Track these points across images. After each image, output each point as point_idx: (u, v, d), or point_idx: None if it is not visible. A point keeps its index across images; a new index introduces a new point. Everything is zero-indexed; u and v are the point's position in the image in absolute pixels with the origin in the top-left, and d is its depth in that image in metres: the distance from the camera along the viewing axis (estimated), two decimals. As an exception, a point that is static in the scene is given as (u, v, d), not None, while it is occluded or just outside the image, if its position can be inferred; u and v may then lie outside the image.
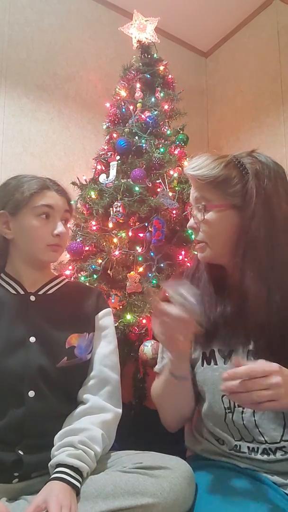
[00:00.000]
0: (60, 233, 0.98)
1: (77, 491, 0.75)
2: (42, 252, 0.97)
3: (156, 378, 1.02)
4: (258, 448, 0.82)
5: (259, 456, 0.81)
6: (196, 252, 0.94)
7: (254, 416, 0.82)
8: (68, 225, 1.81)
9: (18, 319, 0.93)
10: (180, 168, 1.76)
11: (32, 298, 0.97)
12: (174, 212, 1.65)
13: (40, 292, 1.00)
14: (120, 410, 0.94)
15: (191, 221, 0.90)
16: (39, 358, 0.90)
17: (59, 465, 0.78)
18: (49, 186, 1.00)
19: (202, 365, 0.90)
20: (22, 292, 0.97)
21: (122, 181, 1.68)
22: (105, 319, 1.04)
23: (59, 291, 1.03)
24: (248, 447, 0.83)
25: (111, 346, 1.01)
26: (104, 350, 0.99)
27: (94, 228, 1.70)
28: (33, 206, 0.96)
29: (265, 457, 0.81)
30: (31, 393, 0.87)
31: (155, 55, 2.00)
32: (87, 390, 0.93)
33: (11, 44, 2.19)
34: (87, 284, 1.53)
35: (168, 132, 1.89)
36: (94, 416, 0.88)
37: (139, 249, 1.63)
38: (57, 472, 0.77)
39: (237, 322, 0.85)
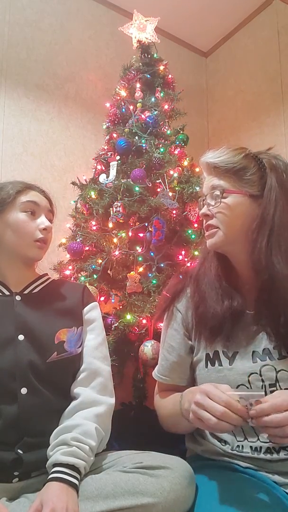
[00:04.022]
0: (46, 227, 1.01)
1: (75, 488, 0.75)
2: (28, 248, 0.99)
3: (158, 389, 1.02)
4: (261, 447, 0.82)
5: (262, 456, 0.81)
6: (205, 240, 0.95)
7: None
8: (68, 226, 1.82)
9: (5, 319, 0.93)
10: (180, 168, 1.76)
11: (18, 298, 0.98)
12: (174, 212, 1.65)
13: (26, 292, 1.01)
14: (112, 401, 0.95)
15: (204, 209, 0.91)
16: (29, 355, 0.90)
17: (55, 464, 0.78)
18: (32, 187, 1.06)
19: (206, 366, 0.90)
20: (7, 293, 0.98)
21: (122, 181, 1.67)
22: (92, 312, 1.05)
23: (45, 289, 1.05)
24: (251, 447, 0.83)
25: (99, 338, 1.02)
26: (93, 343, 1.00)
27: (94, 228, 1.70)
28: (19, 202, 1.00)
29: (268, 456, 0.81)
30: (24, 390, 0.87)
31: (155, 55, 2.00)
32: (78, 383, 0.94)
33: (11, 44, 2.19)
34: (87, 284, 1.53)
35: (168, 132, 1.88)
36: (87, 411, 0.88)
37: (139, 249, 1.62)
38: (54, 472, 0.77)
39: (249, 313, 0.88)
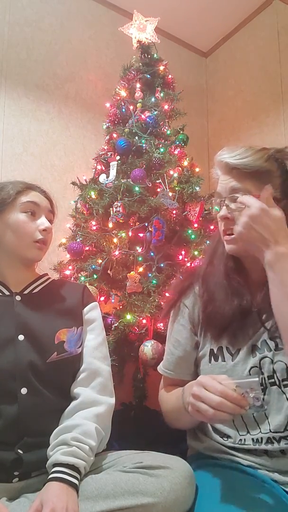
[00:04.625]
0: (46, 228, 1.01)
1: (75, 488, 0.75)
2: (28, 249, 0.99)
3: (163, 384, 1.03)
4: (262, 438, 0.83)
5: (263, 446, 0.82)
6: (225, 244, 0.90)
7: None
8: (68, 226, 1.82)
9: (5, 319, 0.93)
10: (180, 168, 1.76)
11: (18, 298, 0.98)
12: (174, 212, 1.65)
13: (26, 292, 1.01)
14: (112, 401, 0.95)
15: (224, 211, 0.87)
16: (29, 355, 0.90)
17: (55, 464, 0.78)
18: (33, 187, 1.05)
19: (210, 361, 0.91)
20: (7, 293, 0.98)
21: (122, 181, 1.67)
22: (92, 312, 1.05)
23: (45, 289, 1.05)
24: (253, 439, 0.84)
25: (99, 338, 1.02)
26: (93, 343, 1.00)
27: (94, 228, 1.70)
28: (19, 203, 0.99)
29: (269, 446, 0.82)
30: (24, 390, 0.87)
31: (155, 55, 2.00)
32: (78, 383, 0.94)
33: (11, 44, 2.19)
34: (87, 284, 1.53)
35: (168, 132, 1.89)
36: (87, 411, 0.88)
37: (139, 249, 1.62)
38: (54, 472, 0.77)
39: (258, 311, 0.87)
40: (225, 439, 0.88)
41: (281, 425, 0.82)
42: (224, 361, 0.88)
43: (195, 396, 0.73)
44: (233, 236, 0.87)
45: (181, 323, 0.98)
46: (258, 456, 0.83)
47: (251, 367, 0.86)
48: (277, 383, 0.84)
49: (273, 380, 0.84)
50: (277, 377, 0.84)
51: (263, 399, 0.82)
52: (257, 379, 0.70)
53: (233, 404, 0.68)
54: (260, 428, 0.84)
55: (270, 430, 0.82)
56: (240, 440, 0.85)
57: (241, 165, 0.84)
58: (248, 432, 0.85)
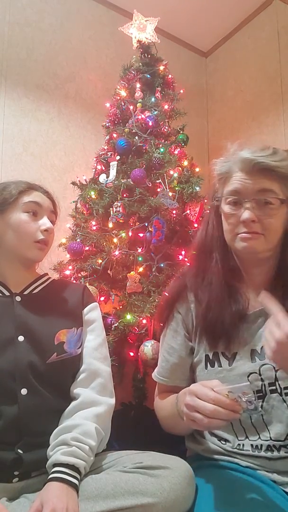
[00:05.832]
0: (48, 229, 1.00)
1: (76, 488, 0.75)
2: (28, 249, 0.99)
3: (157, 391, 1.02)
4: (262, 445, 0.82)
5: (262, 453, 0.82)
6: (243, 243, 0.85)
7: (262, 416, 0.83)
8: (68, 226, 1.81)
9: (5, 320, 0.93)
10: (180, 168, 1.76)
11: (18, 298, 0.98)
12: (174, 212, 1.65)
13: (26, 292, 1.01)
14: (112, 401, 0.95)
15: (251, 215, 0.82)
16: (29, 356, 0.90)
17: (55, 464, 0.78)
18: (36, 187, 1.05)
19: (206, 367, 0.90)
20: (7, 294, 0.98)
21: (122, 181, 1.67)
22: (92, 313, 1.05)
23: (45, 290, 1.04)
24: (252, 445, 0.83)
25: (99, 339, 1.02)
26: (93, 344, 1.00)
27: (94, 228, 1.70)
28: (21, 202, 0.99)
29: (269, 454, 0.81)
30: (24, 391, 0.87)
31: (155, 55, 2.00)
32: (78, 384, 0.94)
33: (11, 44, 2.19)
34: (87, 284, 1.53)
35: (168, 132, 1.89)
36: (86, 411, 0.88)
37: (139, 249, 1.62)
38: (54, 472, 0.77)
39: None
40: (223, 442, 0.88)
41: (282, 433, 0.81)
42: (221, 366, 0.88)
43: (188, 406, 0.72)
44: (257, 235, 0.83)
45: (174, 330, 0.97)
46: (257, 458, 0.83)
47: (250, 373, 0.85)
48: (279, 390, 0.83)
49: (274, 387, 0.83)
50: (279, 384, 0.83)
51: (262, 406, 0.82)
52: (248, 383, 0.70)
53: (227, 410, 0.68)
54: (259, 435, 0.83)
55: (270, 438, 0.82)
56: (239, 445, 0.85)
57: (281, 168, 0.81)
58: (246, 437, 0.84)
